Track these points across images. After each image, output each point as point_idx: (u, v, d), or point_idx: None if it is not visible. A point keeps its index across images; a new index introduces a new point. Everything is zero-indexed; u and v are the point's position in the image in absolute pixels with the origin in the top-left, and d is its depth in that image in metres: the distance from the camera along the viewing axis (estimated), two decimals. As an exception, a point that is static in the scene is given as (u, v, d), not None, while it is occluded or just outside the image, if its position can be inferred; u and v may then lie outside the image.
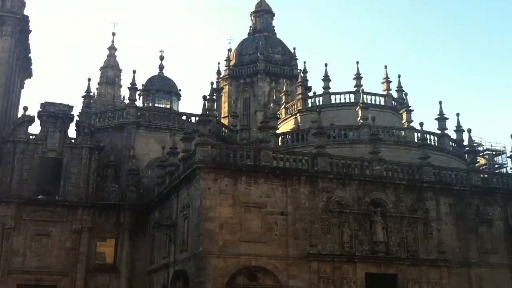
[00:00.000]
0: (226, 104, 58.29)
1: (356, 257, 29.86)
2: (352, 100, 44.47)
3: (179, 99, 53.21)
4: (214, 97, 50.23)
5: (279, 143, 39.71)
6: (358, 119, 39.92)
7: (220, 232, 28.25)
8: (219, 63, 61.61)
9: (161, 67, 53.68)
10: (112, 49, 68.86)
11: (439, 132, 41.62)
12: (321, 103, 44.99)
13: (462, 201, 33.35)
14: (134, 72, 45.33)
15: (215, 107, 50.11)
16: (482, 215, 33.50)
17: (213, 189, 28.83)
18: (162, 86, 51.86)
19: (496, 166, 51.29)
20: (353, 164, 32.09)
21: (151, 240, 37.98)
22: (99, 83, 66.81)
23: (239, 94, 58.31)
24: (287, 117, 47.46)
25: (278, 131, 42.60)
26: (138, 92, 48.40)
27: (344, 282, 29.23)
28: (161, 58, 53.92)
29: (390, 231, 31.03)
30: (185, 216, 31.02)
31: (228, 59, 60.90)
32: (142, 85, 52.25)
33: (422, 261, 31.01)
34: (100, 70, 68.14)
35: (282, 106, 48.94)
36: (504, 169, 49.15)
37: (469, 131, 38.07)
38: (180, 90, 53.57)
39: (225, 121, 54.24)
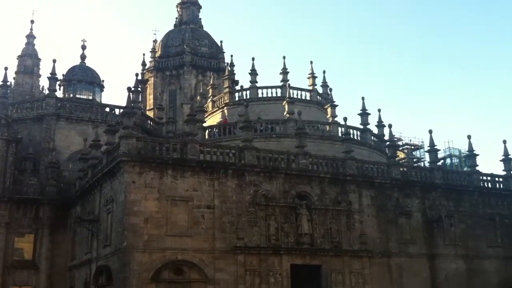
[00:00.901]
0: (151, 96, 57.17)
1: (282, 249, 30.21)
2: (279, 94, 44.88)
3: (102, 91, 51.76)
4: (139, 89, 49.29)
5: (206, 137, 39.46)
6: (285, 113, 40.35)
7: (145, 227, 27.71)
8: (144, 54, 60.46)
9: (83, 57, 51.99)
10: (30, 37, 65.88)
11: (361, 127, 42.85)
12: (248, 97, 45.09)
13: (383, 194, 34.49)
14: (54, 61, 43.57)
15: (140, 99, 49.18)
16: (401, 207, 34.79)
17: (138, 182, 28.20)
18: (84, 77, 50.30)
19: (414, 160, 53.61)
20: (279, 158, 32.40)
21: (72, 235, 36.74)
22: (16, 72, 63.82)
23: (165, 86, 57.38)
24: (214, 110, 47.22)
25: (205, 125, 42.29)
26: (58, 82, 46.65)
27: (270, 274, 29.50)
28: (83, 47, 52.24)
29: (315, 223, 31.61)
30: (108, 211, 30.17)
31: (153, 51, 59.71)
32: (63, 75, 50.43)
33: (345, 252, 31.83)
34: (17, 59, 65.21)
35: (209, 99, 48.65)
36: (422, 163, 51.52)
37: (390, 126, 39.40)
38: (103, 81, 52.14)
39: (150, 114, 53.22)
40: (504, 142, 40.91)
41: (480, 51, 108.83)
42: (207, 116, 46.76)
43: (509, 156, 40.29)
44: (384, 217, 34.01)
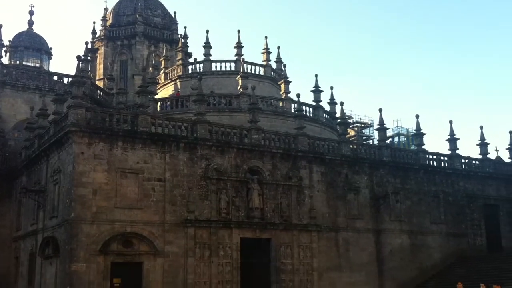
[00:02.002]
0: (101, 66, 55.78)
1: (233, 222, 30.37)
2: (233, 68, 44.70)
3: (50, 58, 50.21)
4: (89, 58, 47.89)
5: (158, 109, 38.98)
6: (238, 88, 40.24)
7: (94, 198, 27.24)
8: (94, 23, 58.59)
9: (30, 23, 50.15)
10: (-26, 0, 62.84)
11: (314, 104, 43.23)
12: (201, 70, 44.70)
13: (333, 170, 35.02)
14: (0, 26, 41.75)
15: (89, 69, 47.82)
16: (350, 183, 35.46)
17: (87, 154, 27.59)
18: (31, 43, 48.64)
19: (364, 137, 54.68)
20: (232, 132, 32.34)
21: (17, 206, 35.74)
22: (-42, 37, 60.74)
23: (116, 56, 56.02)
24: (167, 82, 46.62)
25: (156, 97, 41.76)
26: (4, 49, 44.97)
27: (220, 247, 29.67)
28: (31, 13, 50.40)
29: (266, 197, 31.87)
30: (55, 182, 29.47)
31: (104, 19, 58.06)
32: (9, 41, 48.57)
33: (295, 226, 32.30)
34: (-41, 22, 61.97)
35: (162, 71, 47.94)
36: (371, 141, 52.59)
37: (342, 104, 39.89)
38: (51, 48, 50.53)
39: (100, 84, 51.98)
40: (451, 122, 42.21)
41: (430, 31, 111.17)
42: (159, 88, 46.12)
43: (455, 136, 41.59)
44: (333, 193, 34.61)
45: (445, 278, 35.79)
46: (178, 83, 45.00)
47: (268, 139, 33.28)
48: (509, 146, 44.89)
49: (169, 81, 46.32)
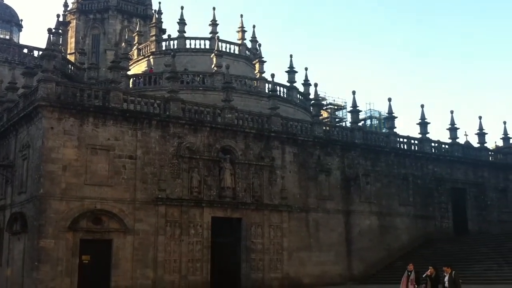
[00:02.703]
0: (73, 40, 54.49)
1: (204, 201, 30.34)
2: (207, 46, 44.30)
3: (20, 30, 48.98)
4: (60, 31, 46.87)
5: (130, 85, 38.47)
6: (212, 66, 39.93)
7: (63, 175, 26.87)
8: (66, -5, 57.08)
9: (0, -7, 48.58)
10: None
11: (288, 84, 43.19)
12: (175, 47, 44.15)
13: (305, 151, 35.18)
14: (-33, -5, 40.46)
15: (60, 42, 46.82)
16: (322, 164, 35.70)
17: (57, 129, 27.13)
18: (0, 15, 47.29)
19: (337, 120, 54.96)
20: (205, 111, 32.14)
21: (-16, 181, 34.95)
22: None
23: (88, 30, 54.78)
24: (140, 58, 45.96)
25: (129, 73, 41.12)
26: (-29, 19, 43.52)
27: (191, 225, 29.67)
28: (0, -17, 48.76)
29: (238, 177, 31.89)
30: (24, 157, 28.93)
31: (77, -8, 56.59)
32: (-23, 11, 47.09)
33: (266, 206, 32.45)
34: None
35: (135, 47, 47.21)
36: (344, 123, 52.91)
37: (316, 85, 39.95)
38: (21, 20, 49.26)
39: (71, 58, 50.83)
40: (422, 106, 42.68)
41: (405, 16, 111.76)
42: (131, 64, 45.44)
43: (425, 120, 42.12)
44: (305, 173, 34.81)
45: (412, 259, 36.37)
46: (152, 60, 44.39)
47: (241, 119, 33.18)
48: (478, 131, 45.69)
49: (142, 57, 45.66)
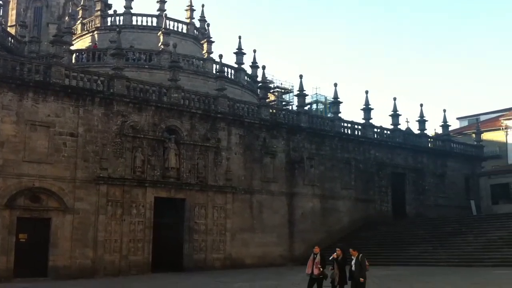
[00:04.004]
0: (14, 12, 52.24)
1: (147, 181, 29.97)
2: (154, 24, 43.56)
3: (-45, 0, 46.33)
4: (1, 2, 44.84)
5: (73, 61, 37.43)
6: (159, 44, 39.29)
7: (0, 151, 25.93)
8: (7, -35, 54.56)
9: None
10: None
11: (236, 66, 43.01)
12: (121, 23, 43.17)
13: (251, 133, 35.26)
14: None
15: (1, 14, 44.83)
16: (267, 147, 35.89)
17: (-6, 103, 26.06)
18: None
19: (283, 103, 55.22)
20: (151, 90, 31.63)
21: None
22: None
23: (30, 2, 52.59)
24: (84, 33, 44.68)
25: (72, 48, 39.99)
26: None
27: (133, 205, 29.28)
28: None
29: (183, 158, 31.64)
30: (-42, 131, 27.63)
31: (18, -39, 54.19)
32: None
33: (210, 187, 32.39)
34: None
35: (79, 21, 45.81)
36: (290, 106, 53.24)
37: (263, 68, 39.97)
38: (-43, -11, 46.52)
39: (12, 31, 48.78)
40: (366, 92, 43.44)
41: (354, 3, 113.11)
42: (75, 39, 44.15)
43: (369, 106, 42.93)
44: (250, 155, 34.92)
45: (351, 241, 37.24)
46: (96, 35, 43.22)
47: (187, 99, 32.85)
48: (419, 118, 47.03)
49: (86, 32, 44.40)
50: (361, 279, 14.18)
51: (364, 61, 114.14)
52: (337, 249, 15.53)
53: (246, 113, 35.54)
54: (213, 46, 44.21)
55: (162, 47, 38.38)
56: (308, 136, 38.19)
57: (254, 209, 34.42)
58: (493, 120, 57.96)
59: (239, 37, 44.17)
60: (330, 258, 16.03)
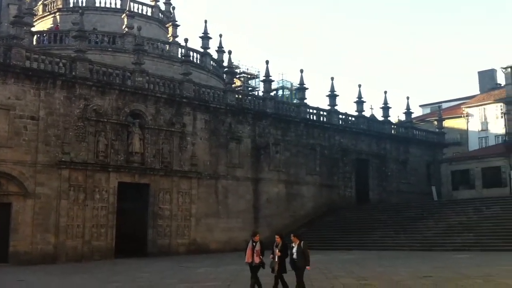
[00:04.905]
0: (-28, -9, 50.53)
1: (111, 166, 29.57)
2: (118, 6, 42.74)
3: None
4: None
5: (34, 42, 36.47)
6: (123, 27, 38.61)
7: (-43, 134, 25.14)
8: None
9: None
10: None
11: (202, 50, 42.64)
12: (84, 4, 42.22)
13: (217, 118, 35.10)
14: None
15: (-43, -7, 43.28)
16: (233, 132, 35.80)
17: (-49, 85, 25.23)
18: None
19: (249, 88, 55.19)
20: (114, 73, 31.10)
21: None
22: None
23: (-11, -18, 50.96)
24: (45, 15, 43.55)
25: (33, 29, 38.89)
26: None
27: (96, 190, 28.87)
28: None
29: (147, 142, 31.31)
30: None
31: None
32: None
33: (175, 172, 32.17)
34: None
35: (40, 2, 44.62)
36: (257, 92, 53.24)
37: (230, 53, 39.72)
38: None
39: (-31, 11, 47.23)
40: (332, 79, 43.73)
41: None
42: (36, 20, 43.00)
43: (335, 93, 43.22)
44: (216, 141, 34.79)
45: (315, 226, 37.84)
46: (58, 17, 42.16)
47: (152, 83, 32.45)
48: (383, 105, 47.62)
49: (48, 13, 43.27)
50: (308, 267, 13.21)
51: (330, 48, 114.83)
52: (276, 236, 14.24)
53: (212, 98, 35.33)
54: (179, 30, 43.73)
55: (126, 30, 37.72)
56: (274, 122, 38.24)
57: (219, 195, 34.38)
58: (455, 108, 59.27)
59: (205, 21, 43.79)
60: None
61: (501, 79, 54.74)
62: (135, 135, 30.73)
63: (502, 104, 47.46)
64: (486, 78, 59.56)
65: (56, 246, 27.17)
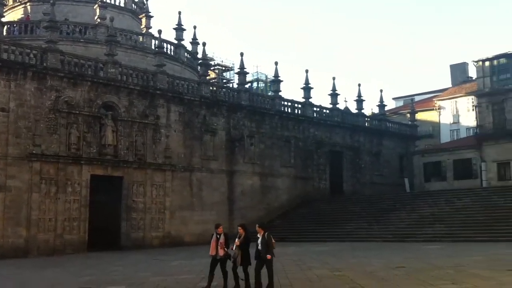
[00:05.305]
0: None
1: (83, 159, 29.19)
2: (91, -4, 41.96)
3: None
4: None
5: (4, 33, 35.64)
6: (96, 18, 38.07)
7: None
8: None
9: None
10: None
11: (176, 42, 42.28)
12: (55, -6, 41.32)
13: (191, 111, 34.89)
14: None
15: None
16: (208, 124, 35.65)
17: None
18: None
19: (224, 81, 54.97)
20: (86, 64, 30.67)
21: None
22: None
23: (-44, -30, 49.61)
24: (16, 5, 42.70)
25: (3, 20, 37.89)
26: None
27: (68, 183, 28.49)
28: None
29: (120, 135, 30.98)
30: None
31: None
32: None
33: (149, 165, 31.91)
34: None
35: (10, -8, 43.59)
36: (231, 84, 53.06)
37: (204, 44, 39.47)
38: None
39: None
40: (306, 71, 43.80)
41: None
42: (6, 11, 41.87)
43: (309, 85, 43.33)
44: (190, 133, 34.60)
45: (289, 217, 38.02)
46: (29, 7, 41.35)
47: (125, 74, 32.09)
48: (357, 98, 47.94)
49: (19, 3, 42.43)
50: (268, 256, 13.08)
51: (305, 41, 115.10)
52: (239, 227, 14.02)
53: (186, 90, 35.09)
54: (152, 21, 43.30)
55: (99, 20, 37.19)
56: (249, 114, 38.19)
57: (193, 187, 34.25)
58: (427, 101, 59.99)
59: (179, 13, 43.40)
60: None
61: (472, 72, 55.66)
62: (108, 127, 30.38)
63: (473, 97, 48.19)
64: (458, 71, 60.39)
65: (27, 240, 26.76)
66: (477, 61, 44.18)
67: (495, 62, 43.61)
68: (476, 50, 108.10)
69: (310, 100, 43.19)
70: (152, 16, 43.39)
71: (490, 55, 43.69)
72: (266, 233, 13.22)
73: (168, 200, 32.55)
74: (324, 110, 44.65)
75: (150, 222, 31.49)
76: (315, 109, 43.65)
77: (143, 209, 31.30)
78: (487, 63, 43.68)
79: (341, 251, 24.91)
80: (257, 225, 13.73)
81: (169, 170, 32.85)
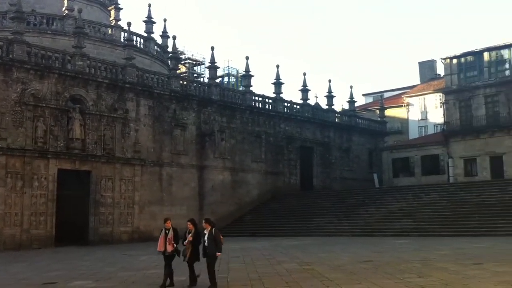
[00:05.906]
0: None
1: (50, 153, 28.64)
2: (58, -13, 41.13)
3: None
4: None
5: (-32, 23, 34.66)
6: (63, 9, 37.38)
7: None
8: None
9: None
10: None
11: (145, 35, 41.80)
12: (22, -16, 40.36)
13: (161, 105, 34.56)
14: None
15: None
16: (178, 119, 35.37)
17: None
18: None
19: (195, 75, 54.65)
20: (54, 57, 30.08)
21: None
22: None
23: None
24: (-20, -6, 41.38)
25: (-33, 9, 36.94)
26: None
27: (35, 177, 27.93)
28: None
29: (88, 128, 30.50)
30: None
31: None
32: None
33: (117, 159, 31.51)
34: None
35: (-26, -19, 42.35)
36: (202, 79, 52.80)
37: (174, 38, 39.06)
38: None
39: None
40: (277, 67, 43.80)
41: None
42: (-30, 0, 40.80)
43: (280, 81, 43.38)
44: (160, 127, 34.29)
45: (260, 212, 38.06)
46: (-6, -3, 40.19)
47: (93, 67, 31.58)
48: (327, 93, 48.20)
49: (-17, -7, 41.17)
50: (218, 254, 12.85)
51: (277, 36, 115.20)
52: (188, 222, 13.59)
53: (156, 83, 34.74)
54: (121, 13, 42.69)
55: (66, 12, 36.51)
56: (219, 109, 38.03)
57: (163, 182, 33.97)
58: (396, 97, 60.72)
59: (149, 5, 42.93)
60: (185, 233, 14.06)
61: (440, 69, 56.50)
62: (76, 120, 29.87)
63: (441, 94, 48.91)
64: (426, 68, 61.26)
65: (-8, 235, 26.14)
66: (445, 59, 44.84)
67: (462, 59, 44.34)
68: (444, 48, 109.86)
69: (281, 95, 43.25)
70: (121, 8, 42.82)
71: (457, 53, 44.41)
72: (214, 229, 12.91)
73: (137, 195, 32.21)
74: (295, 106, 44.78)
75: (118, 217, 31.12)
76: (286, 104, 43.73)
77: (111, 204, 30.91)
78: (454, 61, 44.39)
79: (311, 245, 25.01)
80: (203, 220, 13.40)
81: (138, 164, 32.49)
